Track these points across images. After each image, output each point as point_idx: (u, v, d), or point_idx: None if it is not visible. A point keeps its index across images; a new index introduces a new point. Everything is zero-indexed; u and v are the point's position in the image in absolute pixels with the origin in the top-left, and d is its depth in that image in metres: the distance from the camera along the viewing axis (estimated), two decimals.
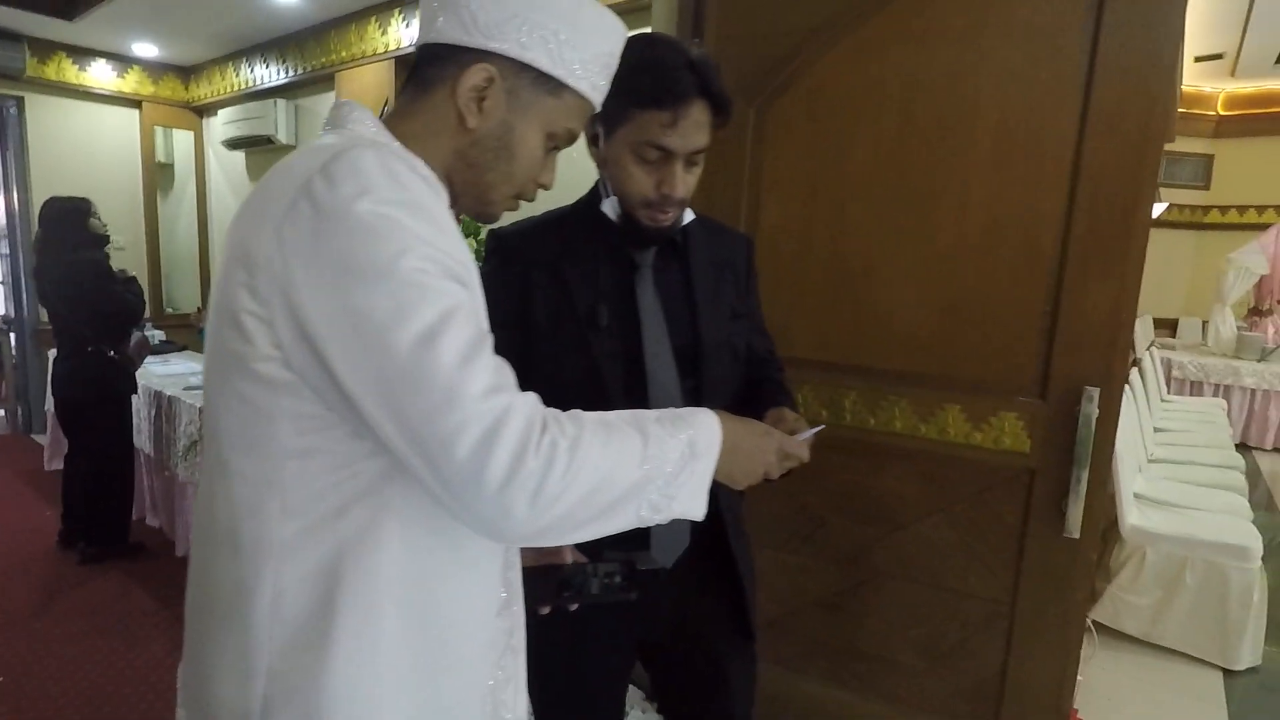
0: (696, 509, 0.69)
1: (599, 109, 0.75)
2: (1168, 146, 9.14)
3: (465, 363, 0.56)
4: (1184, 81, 8.58)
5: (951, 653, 1.69)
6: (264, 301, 0.58)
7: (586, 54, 0.69)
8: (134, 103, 5.41)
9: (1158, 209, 6.79)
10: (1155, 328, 8.41)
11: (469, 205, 0.73)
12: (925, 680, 1.71)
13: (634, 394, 1.00)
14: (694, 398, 1.03)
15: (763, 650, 1.90)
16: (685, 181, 0.95)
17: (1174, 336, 8.45)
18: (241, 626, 0.62)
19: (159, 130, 5.58)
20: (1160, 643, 2.51)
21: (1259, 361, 5.73)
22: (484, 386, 0.56)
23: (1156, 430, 4.21)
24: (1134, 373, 3.96)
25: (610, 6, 2.54)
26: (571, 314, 1.00)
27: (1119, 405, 1.47)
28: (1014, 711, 1.61)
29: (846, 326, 1.70)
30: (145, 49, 5.14)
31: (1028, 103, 1.47)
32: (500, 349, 1.03)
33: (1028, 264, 1.50)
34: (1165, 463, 3.47)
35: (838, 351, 1.72)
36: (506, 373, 0.60)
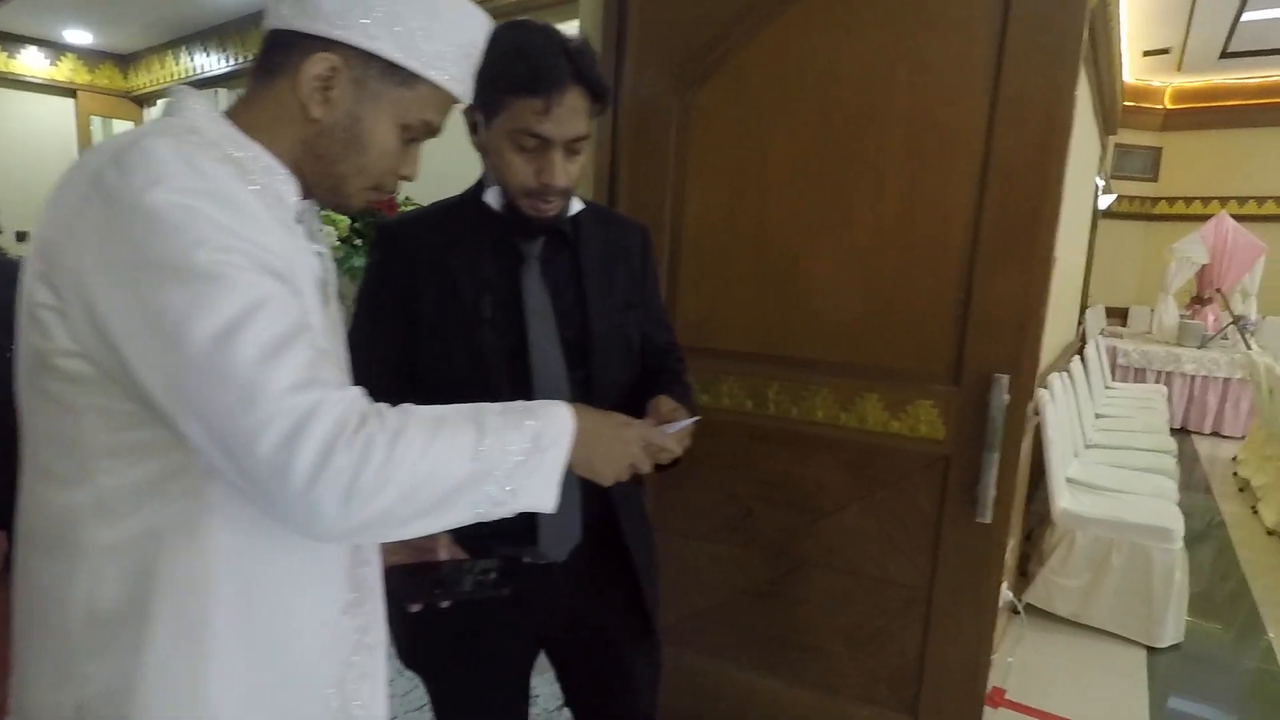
0: (545, 501, 0.68)
1: (463, 100, 0.73)
2: (1117, 139, 9.40)
3: (268, 358, 0.54)
4: (1133, 76, 8.81)
5: (873, 639, 1.71)
6: (60, 295, 0.55)
7: (442, 44, 0.67)
8: (69, 91, 5.24)
9: (1106, 200, 6.96)
10: (1107, 316, 8.65)
11: (323, 196, 0.71)
12: (849, 666, 1.73)
13: (519, 386, 0.99)
14: (584, 389, 1.02)
15: (696, 641, 1.92)
16: (566, 170, 0.93)
17: (1125, 325, 8.69)
18: (58, 631, 0.60)
19: (97, 120, 5.40)
20: (1090, 623, 2.58)
21: (1199, 348, 5.91)
22: (290, 383, 0.55)
23: (1098, 416, 4.32)
24: (1075, 360, 4.06)
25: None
26: (456, 306, 0.98)
27: (1030, 392, 1.49)
28: (932, 694, 1.64)
29: (770, 317, 1.71)
30: (79, 35, 4.97)
31: (940, 93, 1.48)
32: (384, 343, 1.02)
33: (941, 253, 1.52)
34: (1102, 448, 3.56)
35: (761, 342, 1.72)
36: (324, 368, 0.58)
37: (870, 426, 1.63)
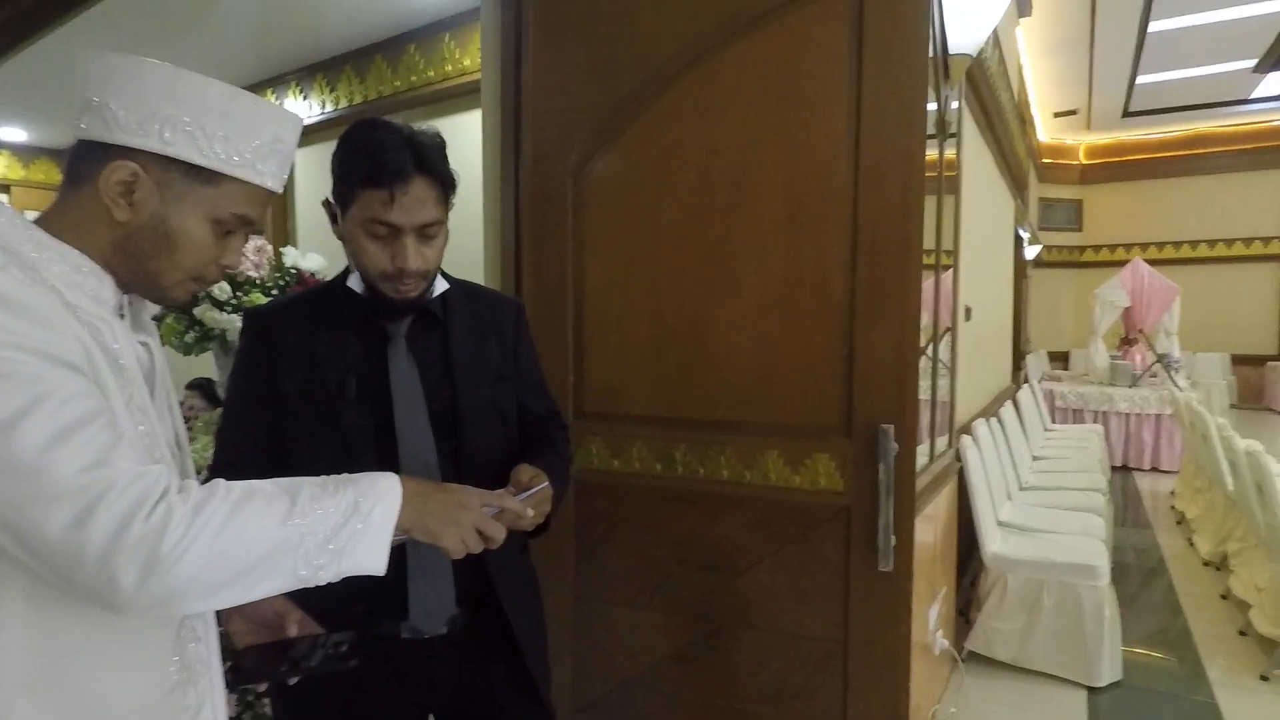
0: (376, 563, 0.71)
1: (276, 190, 0.77)
2: (1040, 193, 9.87)
3: (54, 444, 0.57)
4: (1048, 135, 9.41)
5: (797, 695, 1.70)
6: None
7: (244, 144, 0.72)
8: (3, 188, 5.23)
9: (1033, 250, 7.32)
10: (1050, 361, 8.97)
11: (142, 291, 0.75)
12: None
13: (387, 462, 1.00)
14: (454, 460, 1.05)
15: (627, 711, 1.89)
16: (421, 253, 0.98)
17: (1066, 368, 9.01)
18: None
19: (32, 215, 5.38)
20: (1029, 666, 2.59)
21: (1130, 387, 6.14)
22: (80, 464, 0.57)
23: (1036, 459, 4.43)
24: (1007, 406, 4.19)
25: (447, 89, 2.62)
26: (321, 387, 1.01)
27: (914, 440, 1.55)
28: None
29: (672, 381, 1.76)
30: (13, 133, 5.01)
31: (810, 164, 1.59)
32: (253, 425, 1.03)
33: (824, 312, 1.60)
34: (1036, 489, 3.65)
35: (666, 405, 1.77)
36: (117, 450, 0.61)
37: (773, 482, 1.67)
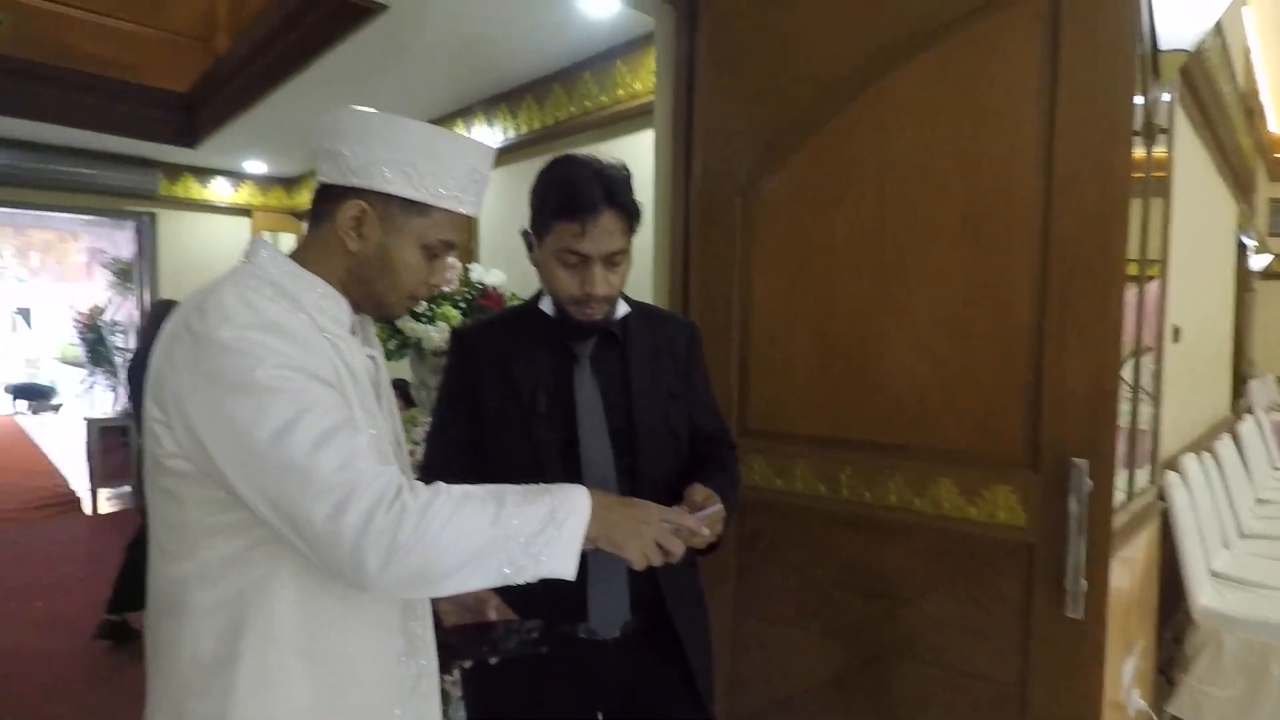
0: (567, 568, 0.77)
1: (474, 215, 0.87)
2: (1271, 194, 8.57)
3: (317, 448, 0.68)
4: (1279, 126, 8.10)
5: None
6: (165, 411, 0.73)
7: (447, 178, 0.83)
8: (245, 211, 6.14)
9: (1260, 260, 6.34)
10: (1279, 387, 7.69)
11: (369, 310, 0.87)
12: None
13: (570, 474, 1.08)
14: (630, 476, 1.11)
15: None
16: (607, 280, 1.06)
17: None
18: (172, 675, 0.74)
19: (268, 234, 6.28)
20: None
21: None
22: (336, 464, 0.69)
23: (1260, 501, 3.84)
24: (1224, 439, 3.68)
25: (618, 112, 2.77)
26: (515, 401, 1.11)
27: (1111, 477, 1.42)
28: None
29: (839, 401, 1.73)
30: (255, 166, 5.86)
31: (993, 176, 1.50)
32: (456, 432, 1.16)
33: (1007, 333, 1.50)
34: (1261, 538, 3.16)
35: (831, 426, 1.74)
36: (361, 452, 0.72)
37: (946, 511, 1.59)
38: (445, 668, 0.90)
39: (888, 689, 1.71)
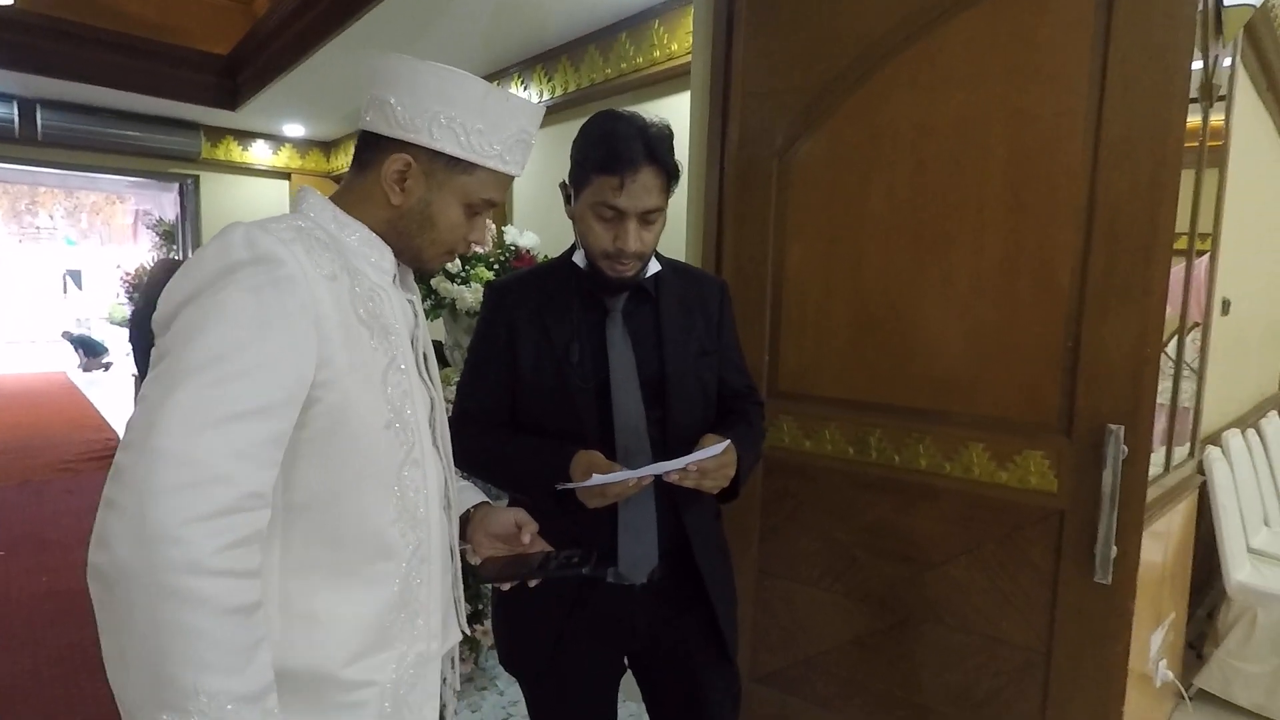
0: None
1: (517, 175, 0.88)
2: None
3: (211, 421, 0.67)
4: None
5: (987, 702, 1.62)
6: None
7: (495, 137, 0.82)
8: (284, 174, 6.23)
9: None
10: None
11: (408, 261, 0.88)
12: None
13: (603, 423, 1.11)
14: (660, 426, 1.13)
15: (802, 688, 1.91)
16: (641, 237, 1.06)
17: None
18: None
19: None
20: (1278, 717, 2.24)
21: None
22: (220, 447, 0.68)
23: None
24: (1271, 416, 3.58)
25: (655, 74, 2.74)
26: (550, 352, 1.13)
27: (1149, 444, 1.40)
28: None
29: (870, 365, 1.73)
30: (294, 129, 5.93)
31: (1038, 140, 1.47)
32: (490, 380, 1.19)
33: (1047, 300, 1.48)
34: None
35: (862, 389, 1.74)
36: (257, 453, 0.68)
37: (976, 476, 1.59)
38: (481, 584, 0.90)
39: (910, 652, 1.73)
